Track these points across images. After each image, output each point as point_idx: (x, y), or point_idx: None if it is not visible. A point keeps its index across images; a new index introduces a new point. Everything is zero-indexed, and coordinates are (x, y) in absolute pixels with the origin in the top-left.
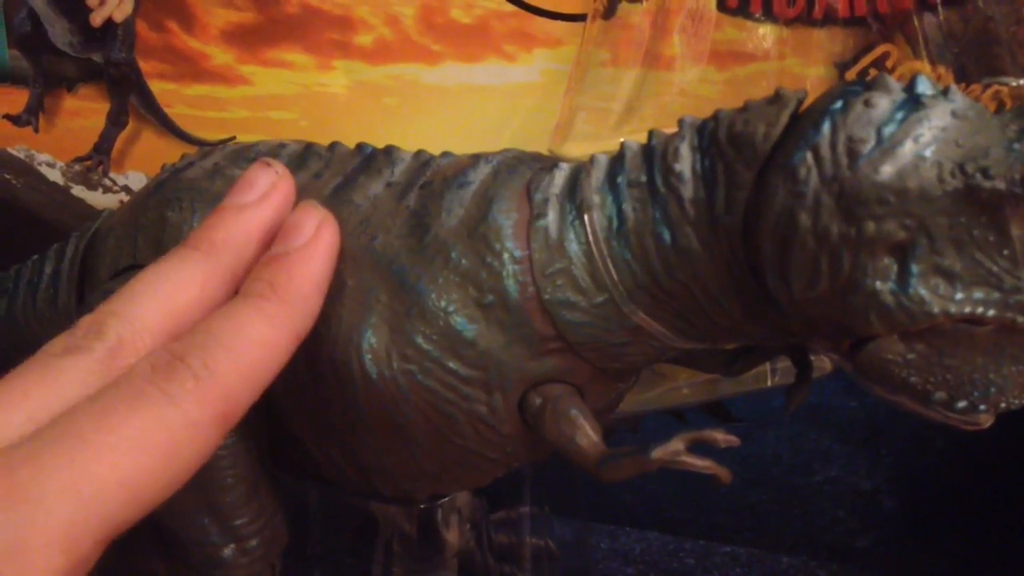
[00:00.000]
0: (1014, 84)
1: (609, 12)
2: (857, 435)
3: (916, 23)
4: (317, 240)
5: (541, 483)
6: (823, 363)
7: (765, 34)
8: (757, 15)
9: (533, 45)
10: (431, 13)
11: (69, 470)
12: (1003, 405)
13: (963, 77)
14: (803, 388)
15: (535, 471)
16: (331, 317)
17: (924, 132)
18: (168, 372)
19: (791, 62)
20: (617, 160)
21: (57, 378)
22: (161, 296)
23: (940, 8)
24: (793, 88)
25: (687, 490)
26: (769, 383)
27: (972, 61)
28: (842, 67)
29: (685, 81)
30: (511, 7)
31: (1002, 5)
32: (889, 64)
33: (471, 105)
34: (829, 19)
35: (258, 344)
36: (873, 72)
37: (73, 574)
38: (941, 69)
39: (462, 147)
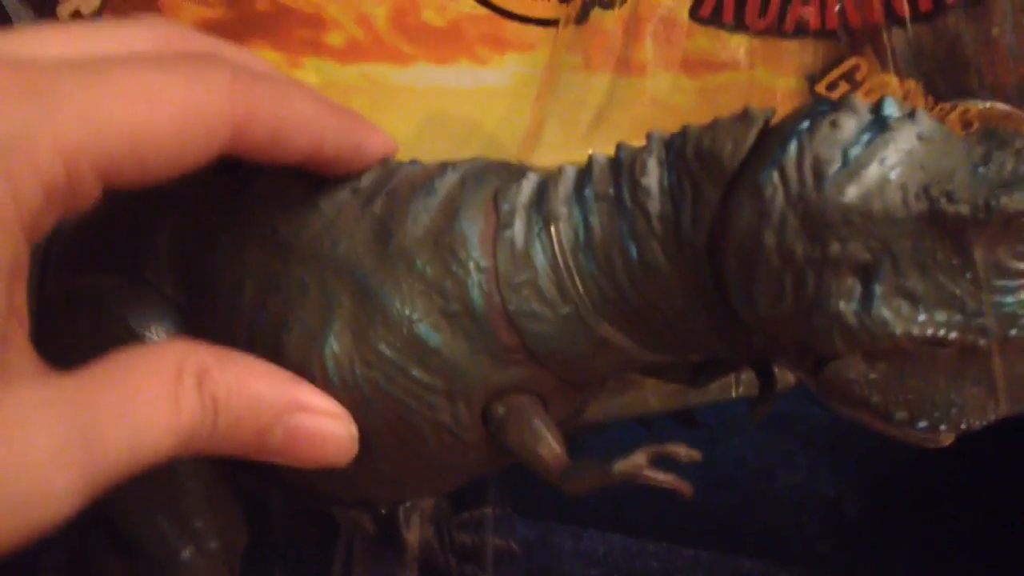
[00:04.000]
0: (982, 106)
1: (581, 17)
2: (820, 442)
3: (885, 37)
4: None
5: (505, 484)
6: (787, 377)
7: (736, 44)
8: (729, 25)
9: (505, 49)
10: (403, 14)
11: (87, 95)
12: (963, 426)
13: (933, 92)
14: (766, 402)
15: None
16: (293, 323)
17: (890, 155)
18: (209, 58)
19: (762, 72)
20: (585, 172)
21: (105, 30)
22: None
23: (909, 23)
24: (763, 98)
25: (651, 493)
26: (733, 394)
27: (942, 78)
28: (812, 79)
29: (657, 87)
30: (484, 10)
31: (970, 24)
32: (859, 77)
33: (442, 107)
34: (800, 31)
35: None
36: (844, 85)
37: (66, 198)
38: (911, 83)
39: (432, 148)
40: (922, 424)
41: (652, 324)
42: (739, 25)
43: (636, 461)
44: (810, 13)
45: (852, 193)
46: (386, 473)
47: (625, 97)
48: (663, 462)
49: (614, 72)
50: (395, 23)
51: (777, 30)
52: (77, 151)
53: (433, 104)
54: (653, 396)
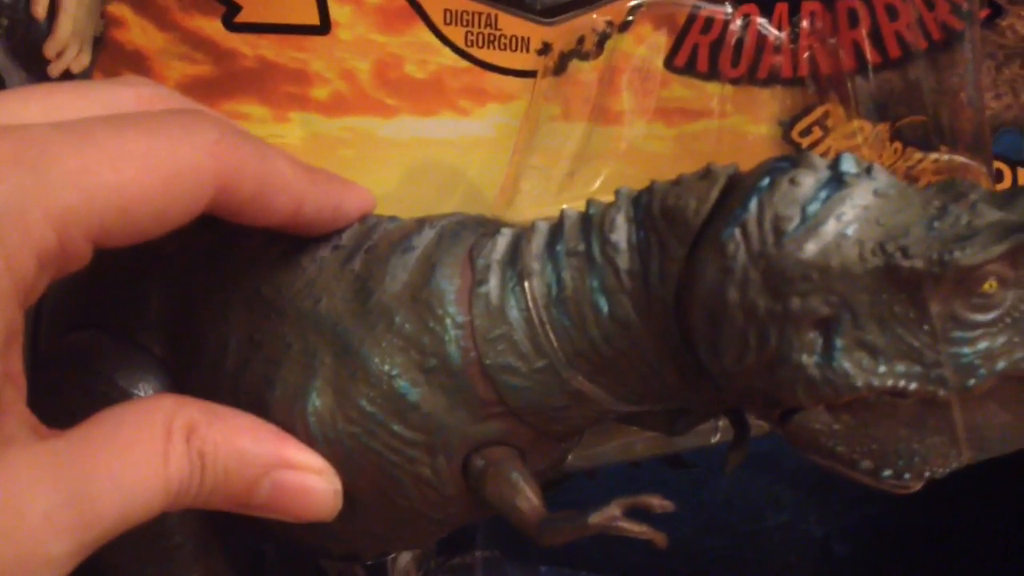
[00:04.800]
0: (945, 158)
1: (559, 68)
2: (807, 482)
3: (848, 85)
4: None
5: (494, 527)
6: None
7: (712, 92)
8: (703, 73)
9: (486, 100)
10: (385, 68)
11: (76, 160)
12: (927, 474)
13: (900, 138)
14: (740, 448)
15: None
16: (275, 380)
17: (847, 211)
18: (195, 116)
19: (736, 119)
20: (556, 228)
21: (88, 91)
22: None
23: (871, 72)
24: (738, 145)
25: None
26: (712, 440)
27: (909, 124)
28: (785, 125)
29: (633, 135)
30: (464, 63)
31: (932, 73)
32: (829, 124)
33: (426, 158)
34: (773, 79)
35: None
36: (816, 131)
37: (58, 262)
38: (881, 127)
39: (417, 197)
40: (886, 473)
41: (624, 376)
42: (713, 74)
43: (611, 513)
44: (781, 62)
45: (810, 249)
46: (370, 526)
47: (602, 145)
48: (639, 512)
49: (591, 121)
50: (378, 77)
51: (750, 78)
52: (68, 217)
53: (417, 154)
54: (639, 443)
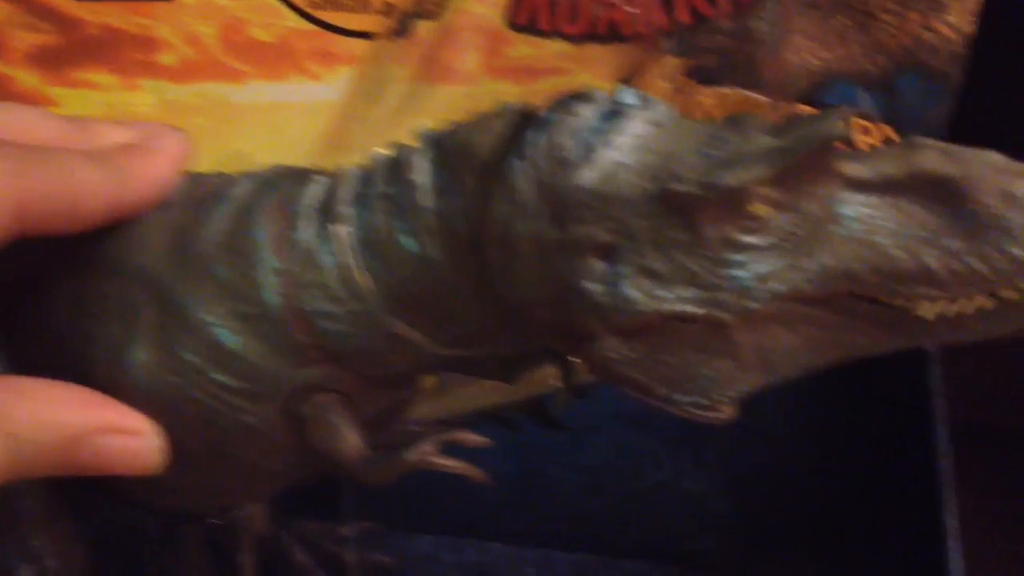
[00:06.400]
0: (735, 93)
1: (402, 29)
2: (682, 440)
3: (666, 39)
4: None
5: (379, 497)
6: None
7: (556, 50)
8: (546, 32)
9: (335, 63)
10: (231, 32)
11: None
12: (718, 398)
13: (696, 75)
14: (565, 392)
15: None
16: (99, 336)
17: (623, 140)
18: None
19: (581, 77)
20: (366, 172)
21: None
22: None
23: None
24: None
25: (528, 500)
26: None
27: (704, 63)
28: (627, 81)
29: (478, 94)
30: (310, 25)
31: (733, 17)
32: (663, 77)
33: (279, 122)
34: (613, 36)
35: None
36: (659, 84)
37: None
38: (679, 62)
39: (272, 163)
40: (679, 398)
41: (439, 317)
42: (555, 31)
43: (424, 449)
44: (618, 18)
45: (587, 177)
46: (205, 479)
47: (441, 103)
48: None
49: (432, 81)
50: (224, 41)
51: (591, 36)
52: None
53: (271, 119)
54: (493, 389)
